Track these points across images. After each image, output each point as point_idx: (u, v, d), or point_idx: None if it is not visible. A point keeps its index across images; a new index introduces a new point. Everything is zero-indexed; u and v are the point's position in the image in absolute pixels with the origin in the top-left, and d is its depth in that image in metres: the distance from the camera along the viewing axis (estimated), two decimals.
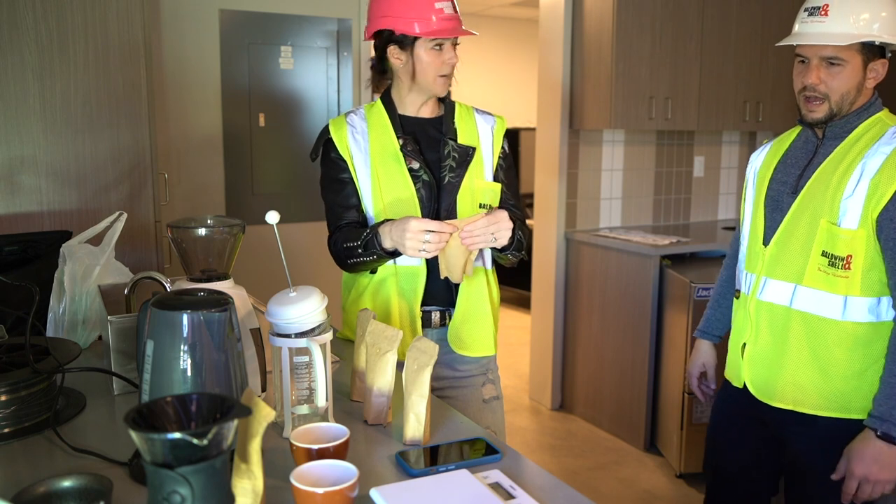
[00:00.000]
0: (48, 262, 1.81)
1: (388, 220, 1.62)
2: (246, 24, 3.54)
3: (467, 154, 1.74)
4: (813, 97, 1.57)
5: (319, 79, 3.75)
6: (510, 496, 1.04)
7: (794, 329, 1.61)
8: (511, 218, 1.61)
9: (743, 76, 3.94)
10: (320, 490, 0.94)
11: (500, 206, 1.80)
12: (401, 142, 1.71)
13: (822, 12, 1.53)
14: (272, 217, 1.27)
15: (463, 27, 1.70)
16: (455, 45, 1.71)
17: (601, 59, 3.62)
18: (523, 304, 5.87)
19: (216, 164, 3.56)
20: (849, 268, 1.52)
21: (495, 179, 1.80)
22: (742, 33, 3.90)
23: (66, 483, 0.94)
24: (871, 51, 1.54)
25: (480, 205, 1.75)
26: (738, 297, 1.80)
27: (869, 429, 1.51)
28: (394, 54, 1.69)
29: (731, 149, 4.52)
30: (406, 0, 1.63)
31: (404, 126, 1.75)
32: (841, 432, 1.58)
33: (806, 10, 1.59)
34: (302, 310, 1.20)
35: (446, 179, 1.72)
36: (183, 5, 3.38)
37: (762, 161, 1.77)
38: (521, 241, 1.70)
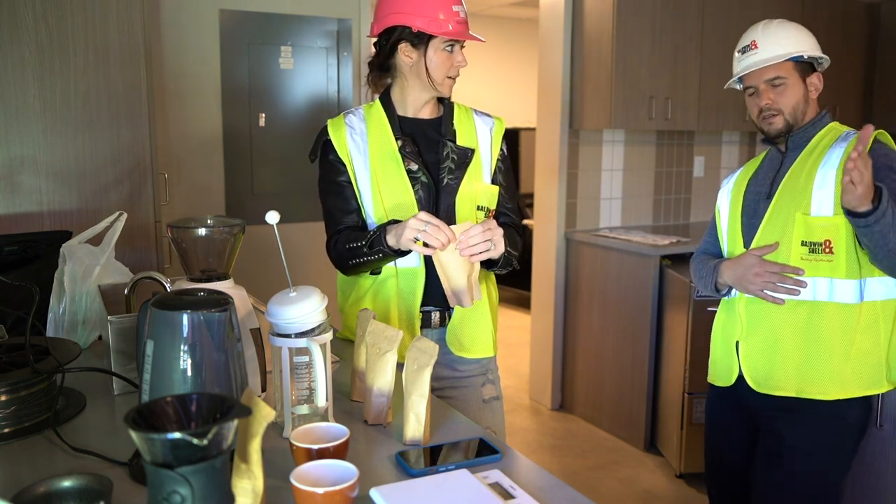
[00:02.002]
0: (48, 262, 1.81)
1: (396, 221, 1.61)
2: (246, 24, 3.54)
3: (466, 156, 1.73)
4: (769, 115, 1.78)
5: (319, 79, 3.75)
6: (510, 496, 1.04)
7: (784, 318, 1.71)
8: (504, 224, 1.59)
9: None
10: (320, 490, 0.94)
11: (498, 209, 1.80)
12: (399, 143, 1.70)
13: (753, 46, 1.83)
14: (272, 217, 1.26)
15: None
16: (462, 47, 1.71)
17: (601, 59, 3.61)
18: (523, 304, 5.87)
19: (216, 164, 3.56)
20: (830, 251, 1.64)
21: (493, 181, 1.79)
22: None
23: (66, 483, 0.94)
24: (803, 67, 1.79)
25: (478, 207, 1.74)
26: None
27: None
28: (405, 52, 1.67)
29: (731, 149, 4.52)
30: None
31: (403, 127, 1.74)
32: (841, 410, 1.68)
33: (739, 51, 1.87)
34: (302, 310, 1.20)
35: (445, 181, 1.71)
36: (183, 5, 3.38)
37: (734, 182, 1.95)
38: (509, 256, 1.68)
